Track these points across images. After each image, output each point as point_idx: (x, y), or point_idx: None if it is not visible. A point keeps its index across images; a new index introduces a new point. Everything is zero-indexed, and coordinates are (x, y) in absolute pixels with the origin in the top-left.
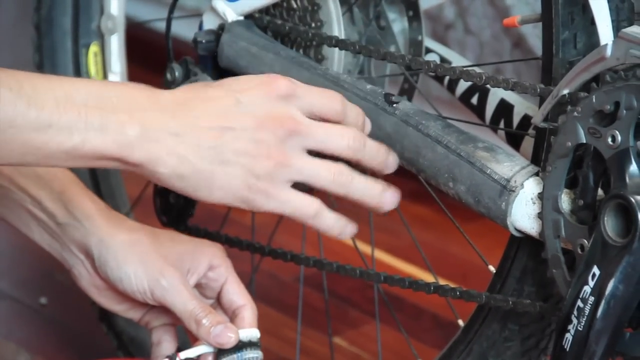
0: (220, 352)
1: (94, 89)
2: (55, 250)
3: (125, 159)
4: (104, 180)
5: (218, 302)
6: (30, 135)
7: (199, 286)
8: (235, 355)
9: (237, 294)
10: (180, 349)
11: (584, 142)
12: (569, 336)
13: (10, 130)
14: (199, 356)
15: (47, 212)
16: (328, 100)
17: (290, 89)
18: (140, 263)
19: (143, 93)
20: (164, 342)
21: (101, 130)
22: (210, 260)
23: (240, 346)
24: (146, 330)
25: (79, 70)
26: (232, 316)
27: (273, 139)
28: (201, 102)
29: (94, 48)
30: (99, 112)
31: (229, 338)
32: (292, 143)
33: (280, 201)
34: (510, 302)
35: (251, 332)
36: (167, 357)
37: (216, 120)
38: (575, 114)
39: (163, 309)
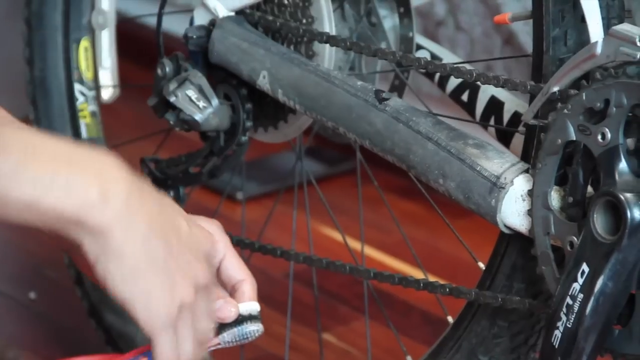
0: (220, 327)
1: (67, 146)
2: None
3: (84, 221)
4: None
5: (217, 279)
6: None
7: None
8: (235, 329)
9: (236, 269)
10: None
11: (574, 139)
12: (557, 333)
13: None
14: None
15: None
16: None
17: (219, 253)
18: None
19: (110, 159)
20: None
21: (65, 189)
22: None
23: (241, 320)
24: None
25: (69, 66)
26: (231, 291)
27: (201, 278)
28: (168, 208)
29: (84, 43)
30: (67, 169)
31: (229, 312)
32: (201, 294)
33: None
34: (500, 299)
35: (251, 306)
36: None
37: (169, 230)
38: (566, 111)
39: None
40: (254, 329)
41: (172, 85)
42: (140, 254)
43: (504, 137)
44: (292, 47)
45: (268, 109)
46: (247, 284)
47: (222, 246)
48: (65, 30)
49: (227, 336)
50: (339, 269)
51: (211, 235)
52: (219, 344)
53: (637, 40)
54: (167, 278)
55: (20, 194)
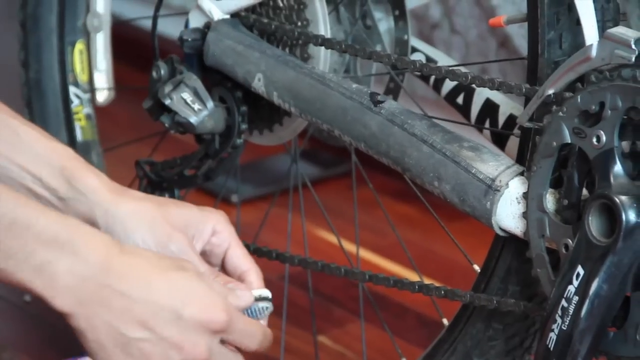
0: None
1: (57, 226)
2: None
3: (46, 300)
4: None
5: (222, 269)
6: None
7: (203, 254)
8: (246, 310)
9: (241, 259)
10: None
11: (569, 142)
12: (552, 335)
13: None
14: None
15: (49, 188)
16: (249, 340)
17: (224, 327)
18: (148, 230)
19: (101, 246)
20: None
21: (36, 270)
22: (214, 226)
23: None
24: None
25: (64, 68)
26: (238, 281)
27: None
28: (145, 287)
29: (79, 46)
30: (45, 251)
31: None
32: None
33: None
34: (495, 301)
35: (262, 292)
36: None
37: (147, 315)
38: (561, 114)
39: None
40: (263, 305)
41: (167, 88)
42: (103, 339)
43: (499, 140)
44: (287, 49)
45: (263, 112)
46: (253, 273)
47: (227, 235)
48: (60, 33)
49: None
50: (334, 271)
51: (222, 309)
52: None
53: (632, 43)
54: None
55: None
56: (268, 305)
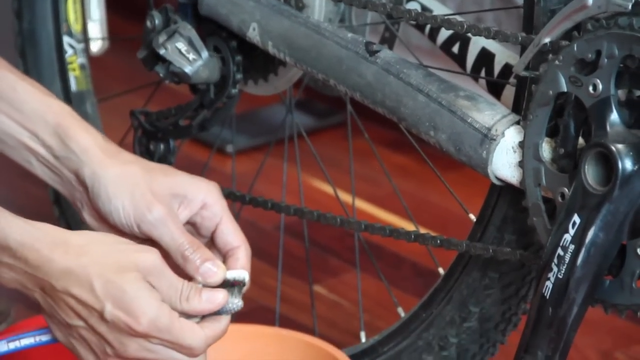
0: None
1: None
2: (58, 184)
3: None
4: None
5: (212, 242)
6: None
7: (193, 225)
8: None
9: (232, 235)
10: None
11: (565, 90)
12: (549, 284)
13: None
14: None
15: (45, 145)
16: (179, 349)
17: (145, 333)
18: (129, 197)
19: (43, 248)
20: None
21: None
22: (205, 197)
23: (225, 285)
24: None
25: (58, 18)
26: (226, 256)
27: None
28: (80, 286)
29: None
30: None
31: (214, 274)
32: None
33: None
34: (491, 250)
35: (239, 273)
36: None
37: (80, 310)
38: (557, 62)
39: (154, 245)
40: (235, 302)
41: (162, 38)
42: (50, 315)
43: (495, 89)
44: None
45: (258, 62)
46: (242, 251)
47: (219, 209)
48: None
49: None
50: (330, 221)
51: (145, 316)
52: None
53: None
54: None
55: None
56: (237, 302)
